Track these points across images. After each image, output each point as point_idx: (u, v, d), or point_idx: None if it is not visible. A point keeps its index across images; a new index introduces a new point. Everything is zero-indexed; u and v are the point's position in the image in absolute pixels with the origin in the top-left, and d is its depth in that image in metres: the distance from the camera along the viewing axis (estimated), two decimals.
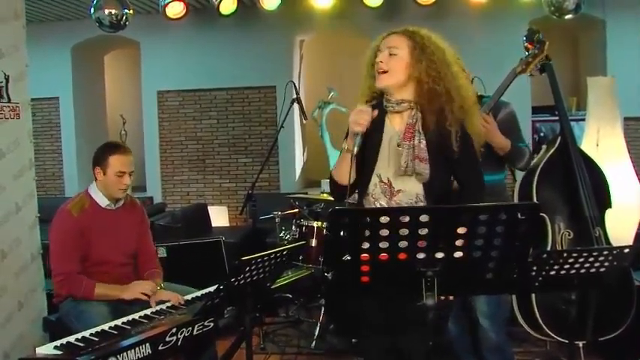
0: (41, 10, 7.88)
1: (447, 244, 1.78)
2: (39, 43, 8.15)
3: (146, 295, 3.12)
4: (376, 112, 2.39)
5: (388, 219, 1.71)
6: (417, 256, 1.80)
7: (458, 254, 1.80)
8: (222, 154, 8.65)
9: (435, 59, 2.36)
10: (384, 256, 1.79)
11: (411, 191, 2.41)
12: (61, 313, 3.26)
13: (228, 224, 8.22)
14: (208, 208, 7.91)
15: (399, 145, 2.38)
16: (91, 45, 8.62)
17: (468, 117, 2.43)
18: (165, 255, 4.72)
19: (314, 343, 4.36)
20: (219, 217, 8.11)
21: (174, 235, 5.64)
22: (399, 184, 2.41)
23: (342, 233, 1.74)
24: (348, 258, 1.78)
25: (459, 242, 1.79)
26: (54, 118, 8.82)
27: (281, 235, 4.92)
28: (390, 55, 2.39)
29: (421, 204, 2.39)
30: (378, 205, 2.43)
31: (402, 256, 1.79)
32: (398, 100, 2.43)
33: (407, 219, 1.70)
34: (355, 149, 2.32)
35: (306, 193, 6.79)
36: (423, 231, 1.74)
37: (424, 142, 2.37)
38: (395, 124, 2.47)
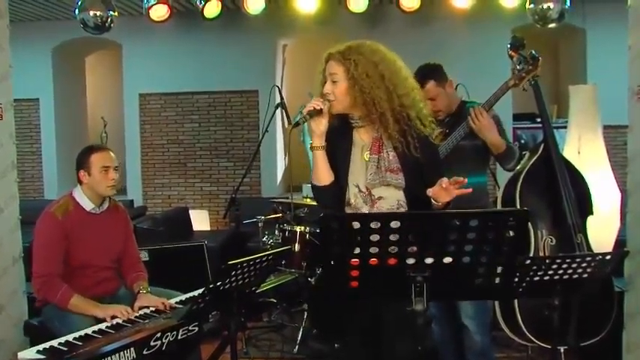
0: (22, 9, 7.79)
1: (436, 249, 1.80)
2: (19, 44, 7.99)
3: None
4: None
5: (379, 224, 1.72)
6: (407, 261, 1.81)
7: (447, 260, 1.82)
8: (204, 157, 8.63)
9: (370, 77, 2.35)
10: (373, 261, 1.80)
11: (391, 198, 2.42)
12: (44, 317, 3.22)
13: (209, 228, 8.19)
14: (190, 211, 7.87)
15: (368, 160, 2.43)
16: (72, 46, 8.55)
17: (420, 113, 2.43)
18: (147, 258, 4.68)
19: (297, 347, 4.36)
20: (200, 221, 8.06)
21: (156, 239, 5.60)
22: (378, 191, 2.42)
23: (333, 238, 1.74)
24: (334, 263, 1.77)
25: (448, 248, 1.80)
26: (34, 120, 8.72)
27: (264, 239, 4.92)
28: (333, 82, 2.43)
29: (402, 209, 2.41)
30: None
31: (392, 261, 1.80)
32: (359, 116, 2.47)
33: (397, 224, 1.71)
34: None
35: (288, 198, 6.77)
36: (414, 237, 1.75)
37: (392, 152, 2.41)
38: (363, 137, 2.50)
